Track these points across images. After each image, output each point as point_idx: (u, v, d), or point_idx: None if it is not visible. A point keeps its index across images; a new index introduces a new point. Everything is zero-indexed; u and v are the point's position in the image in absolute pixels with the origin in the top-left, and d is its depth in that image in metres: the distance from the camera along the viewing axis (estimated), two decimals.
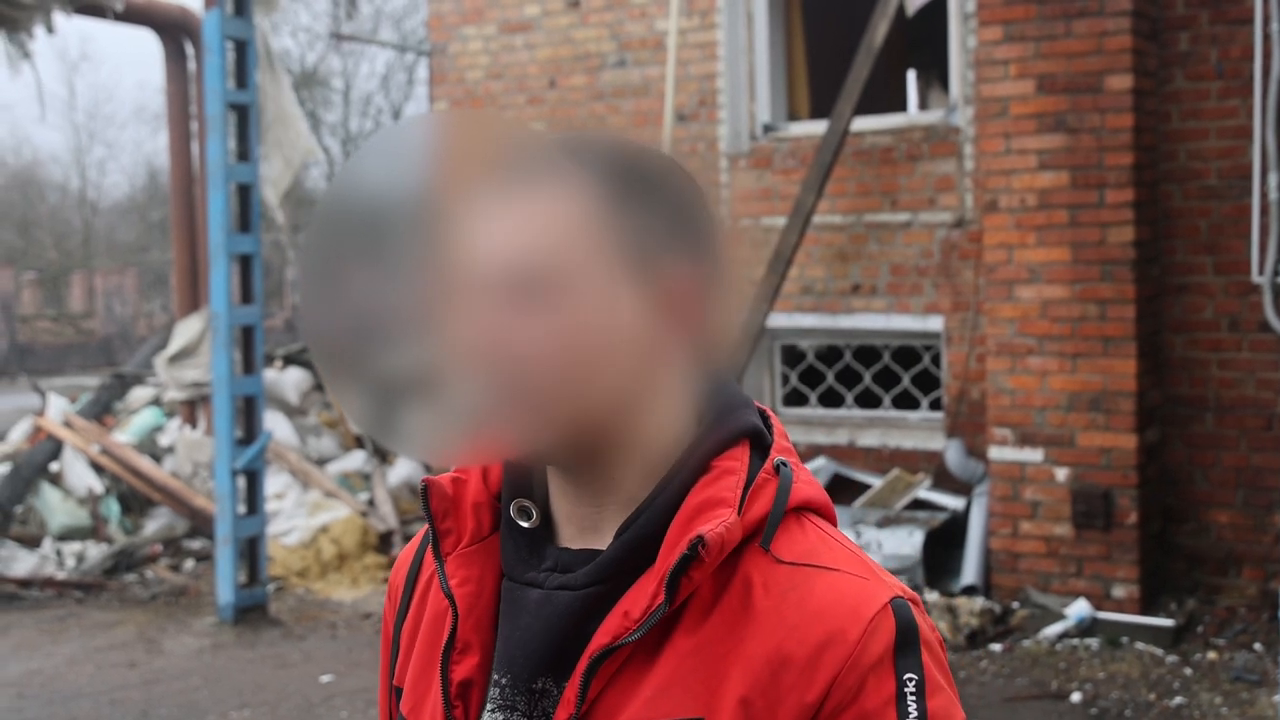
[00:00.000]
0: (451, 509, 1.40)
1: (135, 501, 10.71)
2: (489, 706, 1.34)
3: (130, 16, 11.06)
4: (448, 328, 1.24)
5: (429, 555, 1.49)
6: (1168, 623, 7.26)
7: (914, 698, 1.23)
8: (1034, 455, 7.64)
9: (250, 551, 8.36)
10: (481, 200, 1.24)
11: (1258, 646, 7.06)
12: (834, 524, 1.37)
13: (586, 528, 1.35)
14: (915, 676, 1.24)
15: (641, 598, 1.26)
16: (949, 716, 1.25)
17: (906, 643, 1.25)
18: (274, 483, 10.36)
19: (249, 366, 8.42)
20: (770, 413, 1.41)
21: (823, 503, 1.36)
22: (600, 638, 1.27)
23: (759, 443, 1.35)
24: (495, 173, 1.23)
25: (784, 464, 1.34)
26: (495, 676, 1.34)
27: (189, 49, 12.17)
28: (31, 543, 10.06)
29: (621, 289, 1.26)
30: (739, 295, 1.39)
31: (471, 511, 1.40)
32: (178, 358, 11.59)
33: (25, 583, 9.31)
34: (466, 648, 1.35)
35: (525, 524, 1.37)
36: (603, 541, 1.33)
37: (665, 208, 1.29)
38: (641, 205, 1.27)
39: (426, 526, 1.51)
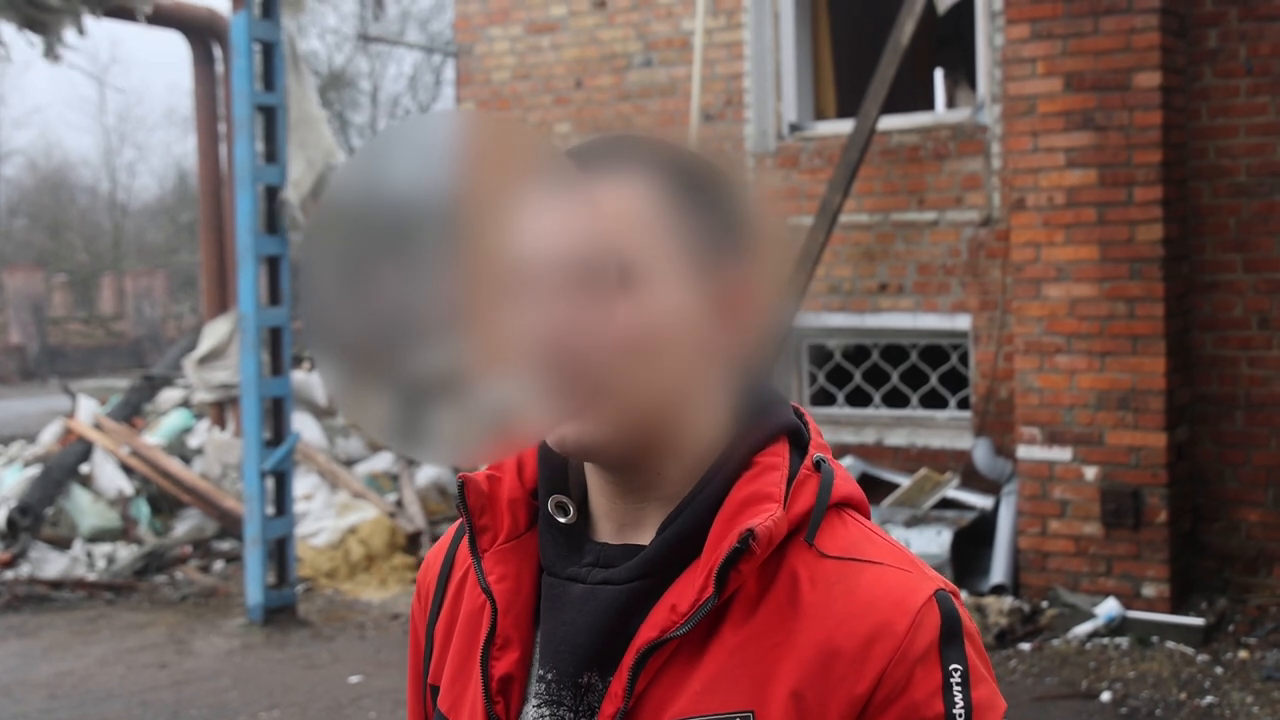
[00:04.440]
0: (488, 506, 1.41)
1: (165, 503, 10.75)
2: (535, 702, 1.35)
3: (159, 19, 11.10)
4: (515, 322, 1.25)
5: (460, 554, 1.49)
6: (1198, 622, 7.22)
7: (959, 688, 1.25)
8: (1063, 454, 7.61)
9: (279, 552, 8.39)
10: (540, 197, 1.24)
11: None
12: (869, 519, 1.39)
13: (627, 524, 1.36)
14: (960, 667, 1.26)
15: (689, 591, 1.27)
16: (992, 706, 1.27)
17: (951, 634, 1.27)
18: (302, 484, 10.40)
19: (277, 368, 8.44)
20: (804, 411, 1.43)
21: (860, 499, 1.38)
22: (647, 631, 1.28)
23: (797, 440, 1.37)
24: (548, 177, 1.23)
25: (823, 460, 1.36)
26: (540, 672, 1.35)
27: (217, 52, 12.22)
28: (62, 544, 10.11)
29: (683, 284, 1.28)
30: (784, 296, 1.42)
31: (507, 508, 1.41)
32: (206, 359, 11.64)
33: (56, 584, 9.36)
34: (507, 643, 1.36)
35: (563, 519, 1.38)
36: (643, 537, 1.34)
37: (721, 210, 1.32)
38: (703, 206, 1.30)
39: (454, 526, 1.52)
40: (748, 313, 1.32)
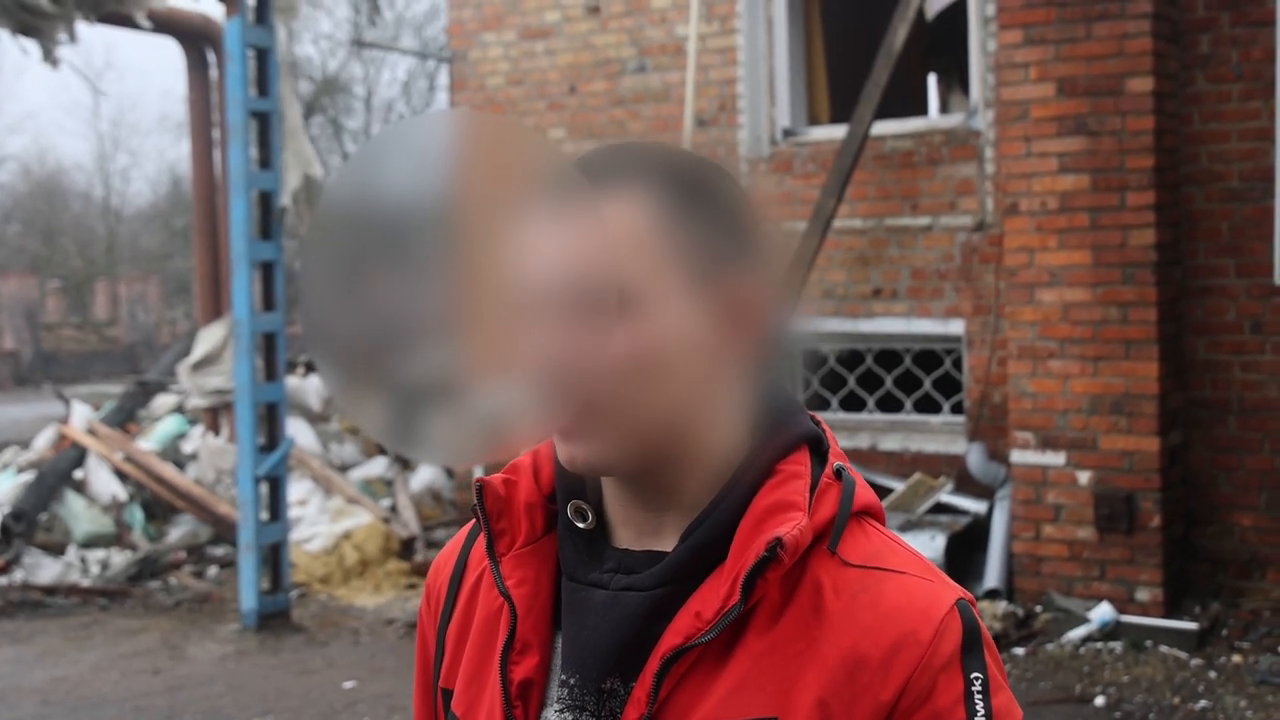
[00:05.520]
0: (505, 510, 1.41)
1: (159, 509, 10.74)
2: (557, 707, 1.35)
3: (153, 25, 11.10)
4: (514, 342, 1.26)
5: (473, 557, 1.49)
6: (1192, 626, 7.23)
7: (980, 696, 1.26)
8: (1056, 459, 7.62)
9: (273, 558, 8.38)
10: (527, 212, 1.25)
11: None
12: (885, 527, 1.40)
13: (646, 531, 1.36)
14: (981, 676, 1.27)
15: (713, 598, 1.28)
16: (1010, 713, 1.29)
17: (972, 643, 1.28)
18: (296, 489, 10.39)
19: (271, 373, 8.44)
20: (820, 420, 1.43)
21: (878, 507, 1.39)
22: (671, 638, 1.28)
23: (817, 448, 1.38)
24: (548, 186, 1.23)
25: (844, 469, 1.37)
26: (563, 677, 1.35)
27: (211, 57, 12.22)
28: (56, 550, 10.10)
29: (686, 299, 1.28)
30: (792, 303, 1.41)
31: (524, 512, 1.41)
32: (200, 365, 11.63)
33: (50, 590, 9.35)
34: (526, 648, 1.36)
35: (582, 525, 1.38)
36: (663, 544, 1.35)
37: (723, 218, 1.31)
38: (702, 216, 1.30)
39: (465, 529, 1.52)
40: (753, 318, 1.31)
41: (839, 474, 1.36)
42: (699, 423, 1.32)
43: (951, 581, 1.33)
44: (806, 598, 1.29)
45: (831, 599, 1.28)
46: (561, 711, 1.34)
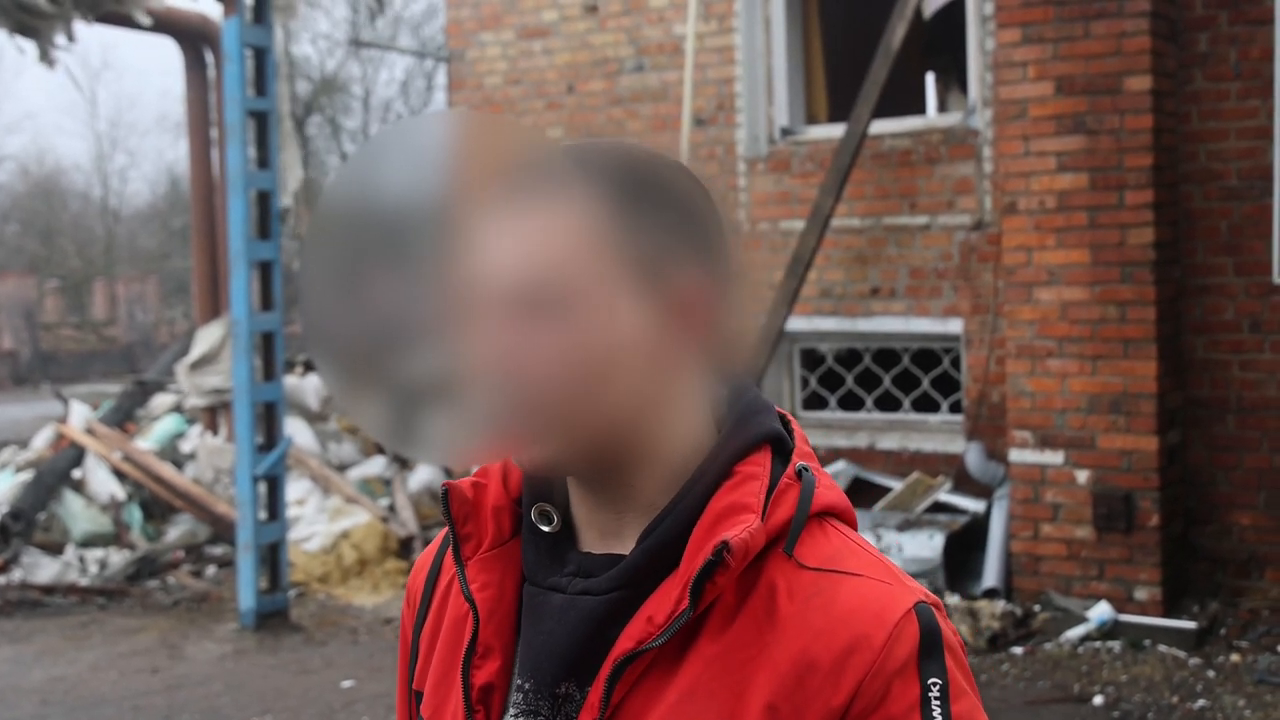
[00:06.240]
0: (472, 513, 1.40)
1: (157, 508, 10.74)
2: (512, 711, 1.34)
3: (151, 25, 11.09)
4: (462, 340, 1.25)
5: (448, 560, 1.48)
6: (1190, 625, 7.23)
7: (938, 702, 1.23)
8: (1054, 458, 7.62)
9: (271, 557, 8.38)
10: (492, 210, 1.24)
11: None
12: (855, 529, 1.37)
13: (608, 533, 1.35)
14: (939, 681, 1.24)
15: (665, 603, 1.26)
16: None
17: (930, 647, 1.25)
18: (295, 489, 10.39)
19: (269, 373, 8.44)
20: (790, 418, 1.41)
21: (844, 508, 1.36)
22: (624, 643, 1.27)
23: (780, 448, 1.35)
24: (506, 181, 1.23)
25: (805, 469, 1.34)
26: (519, 681, 1.34)
27: (209, 57, 12.21)
28: (54, 550, 10.10)
29: (630, 299, 1.25)
30: (752, 300, 1.39)
31: (492, 516, 1.40)
32: (199, 364, 11.63)
33: (49, 589, 9.34)
34: (488, 652, 1.35)
35: (546, 528, 1.37)
36: (625, 546, 1.33)
37: (673, 215, 1.28)
38: (649, 214, 1.27)
39: (444, 531, 1.51)
40: (709, 318, 1.29)
41: (800, 474, 1.33)
42: (654, 423, 1.30)
43: (913, 584, 1.30)
44: (760, 601, 1.27)
45: (785, 602, 1.26)
46: (517, 716, 1.33)
